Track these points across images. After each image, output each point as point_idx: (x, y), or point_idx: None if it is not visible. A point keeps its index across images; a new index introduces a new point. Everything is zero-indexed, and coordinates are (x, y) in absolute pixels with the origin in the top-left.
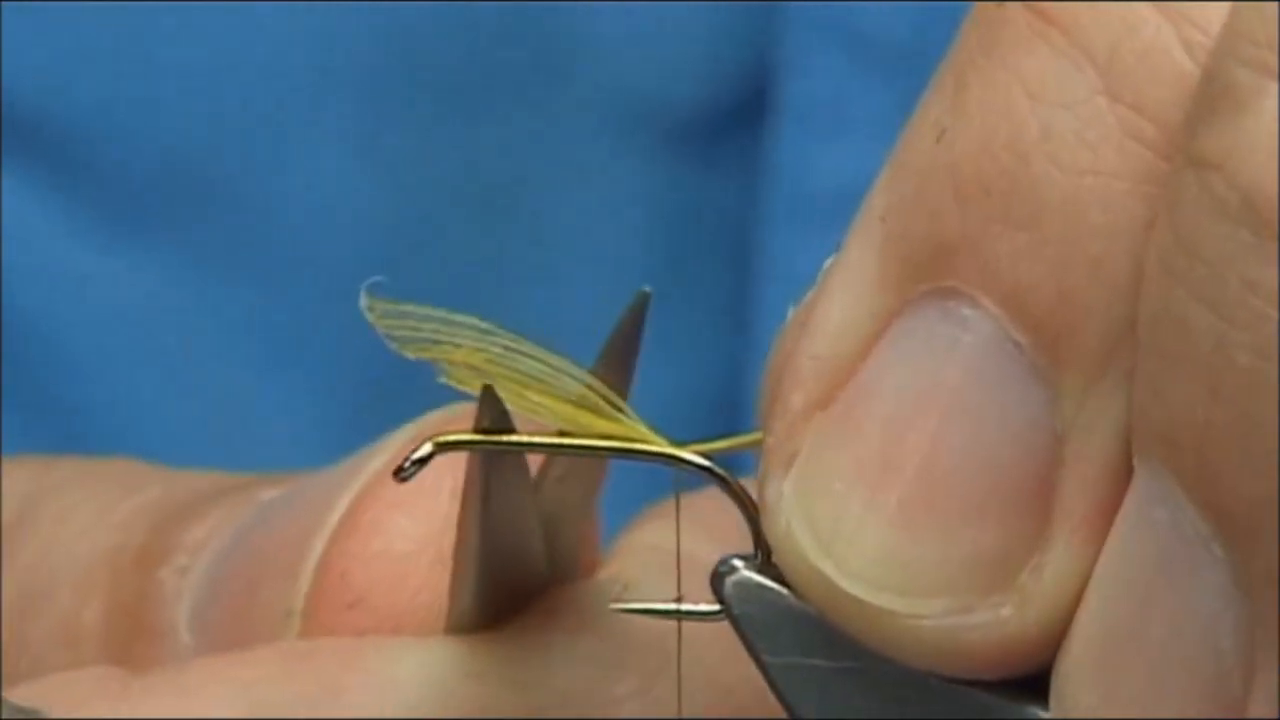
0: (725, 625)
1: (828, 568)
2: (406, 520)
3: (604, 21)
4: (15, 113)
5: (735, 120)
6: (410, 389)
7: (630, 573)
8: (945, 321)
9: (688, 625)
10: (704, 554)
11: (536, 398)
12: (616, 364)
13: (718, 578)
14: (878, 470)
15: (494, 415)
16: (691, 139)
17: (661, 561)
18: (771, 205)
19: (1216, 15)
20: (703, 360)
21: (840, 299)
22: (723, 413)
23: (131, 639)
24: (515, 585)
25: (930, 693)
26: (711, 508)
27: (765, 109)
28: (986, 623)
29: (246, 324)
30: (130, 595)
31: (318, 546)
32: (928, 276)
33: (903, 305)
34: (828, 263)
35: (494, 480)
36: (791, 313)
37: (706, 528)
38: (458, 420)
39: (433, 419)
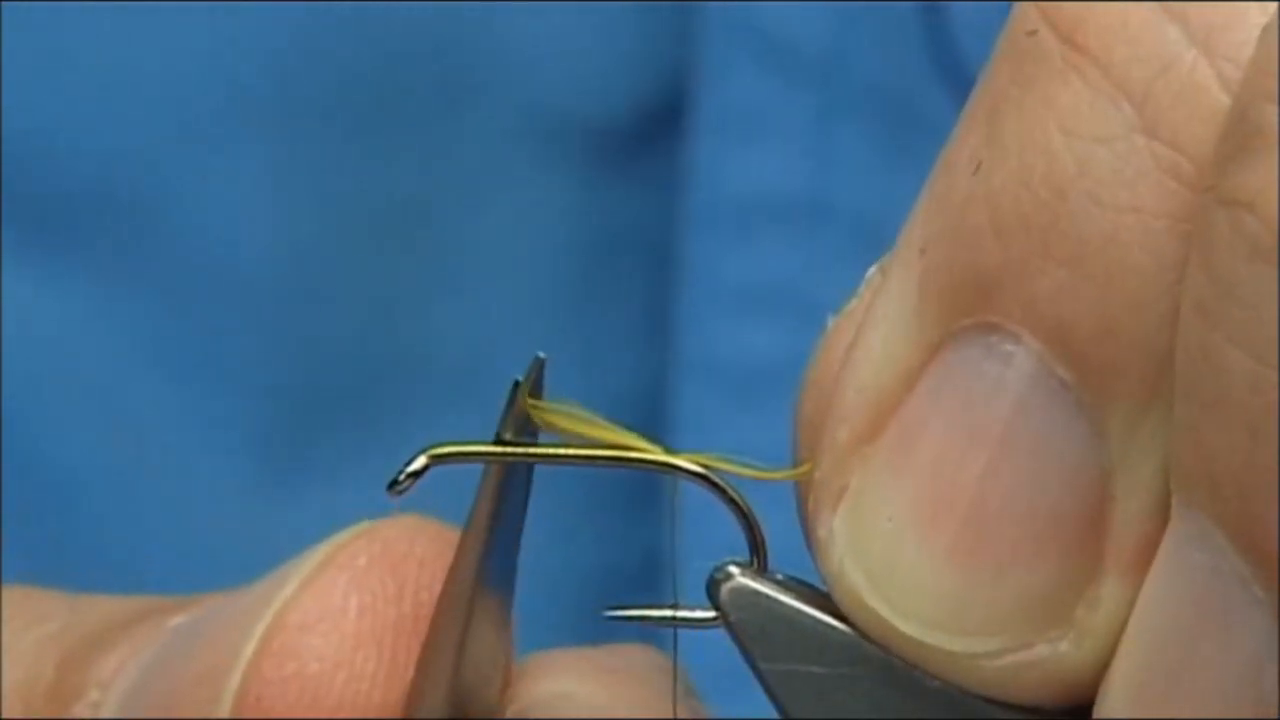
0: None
1: (883, 608)
2: (318, 641)
3: (517, 35)
4: None
5: (652, 129)
6: (326, 412)
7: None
8: (989, 357)
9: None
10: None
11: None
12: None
13: (713, 584)
14: (929, 509)
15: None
16: (608, 149)
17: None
18: (689, 213)
19: (1252, 49)
20: (623, 368)
21: (883, 330)
22: (644, 421)
23: None
24: None
25: (928, 699)
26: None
27: (681, 117)
28: (1045, 658)
29: (162, 346)
30: None
31: (234, 679)
32: (969, 310)
33: (945, 338)
34: (870, 271)
35: (476, 617)
36: (831, 321)
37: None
38: (384, 527)
39: (349, 534)
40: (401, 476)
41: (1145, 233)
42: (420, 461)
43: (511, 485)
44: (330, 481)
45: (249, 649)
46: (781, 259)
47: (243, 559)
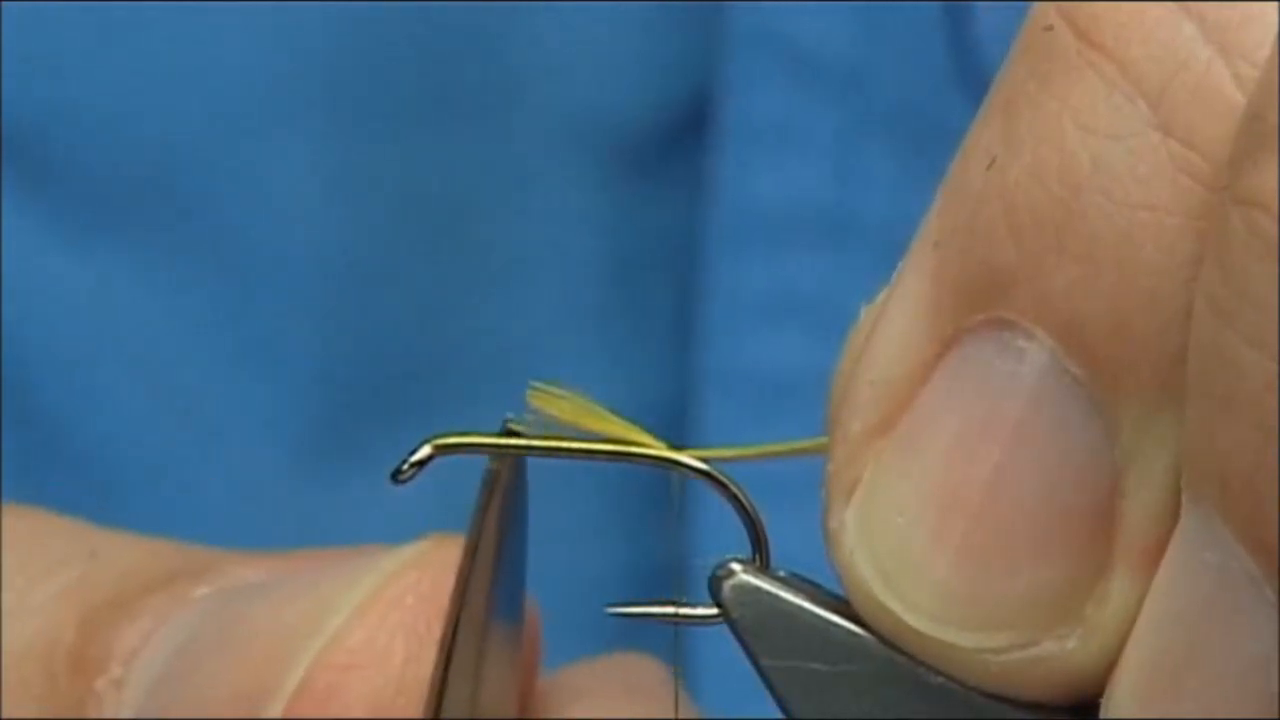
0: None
1: (892, 601)
2: (361, 684)
3: (552, 42)
4: None
5: (680, 138)
6: (368, 402)
7: None
8: (1002, 353)
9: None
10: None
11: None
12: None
13: (716, 581)
14: (940, 504)
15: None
16: (637, 157)
17: None
18: (716, 222)
19: (1268, 48)
20: (648, 376)
21: (897, 325)
22: (669, 429)
23: None
24: None
25: (930, 696)
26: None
27: (709, 127)
28: (1052, 655)
29: (211, 330)
30: (66, 705)
31: (274, 710)
32: (983, 306)
33: (958, 333)
34: (902, 265)
35: (490, 635)
36: (864, 311)
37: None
38: (433, 557)
39: (400, 563)
40: (405, 466)
41: (1159, 230)
42: (424, 451)
43: (514, 492)
44: (370, 470)
45: (291, 682)
46: (807, 270)
47: (282, 543)
